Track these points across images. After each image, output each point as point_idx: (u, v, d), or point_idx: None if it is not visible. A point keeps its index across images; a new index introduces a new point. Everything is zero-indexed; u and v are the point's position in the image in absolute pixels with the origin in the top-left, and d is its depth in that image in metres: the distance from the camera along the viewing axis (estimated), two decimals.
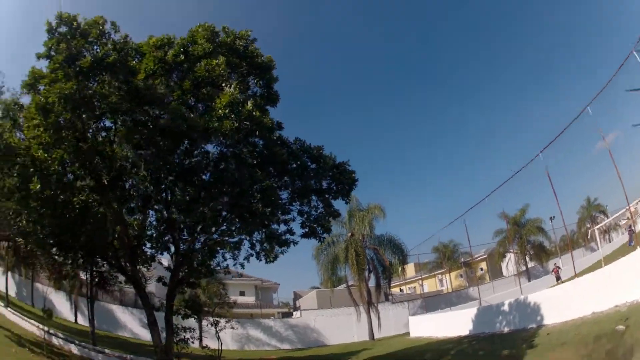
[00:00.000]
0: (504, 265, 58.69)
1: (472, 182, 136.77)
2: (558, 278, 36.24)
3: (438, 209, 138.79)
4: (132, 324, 42.76)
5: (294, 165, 20.25)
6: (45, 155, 16.41)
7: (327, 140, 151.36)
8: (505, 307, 24.86)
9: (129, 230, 20.50)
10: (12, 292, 47.16)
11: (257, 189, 18.55)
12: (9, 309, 32.55)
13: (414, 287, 68.08)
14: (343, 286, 45.76)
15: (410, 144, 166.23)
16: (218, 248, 21.61)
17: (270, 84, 20.40)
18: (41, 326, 28.13)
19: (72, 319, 42.83)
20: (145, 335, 41.35)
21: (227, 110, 16.18)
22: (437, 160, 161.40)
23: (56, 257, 27.40)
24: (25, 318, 30.50)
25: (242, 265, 22.62)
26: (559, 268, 38.55)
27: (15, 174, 16.55)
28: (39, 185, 15.97)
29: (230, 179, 18.45)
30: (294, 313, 49.71)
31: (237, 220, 20.25)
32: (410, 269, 61.27)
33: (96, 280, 32.87)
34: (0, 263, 45.25)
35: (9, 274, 43.49)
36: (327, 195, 21.05)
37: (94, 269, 30.59)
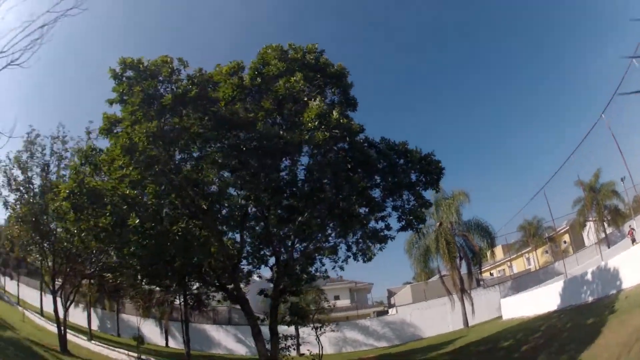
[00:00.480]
0: (585, 235, 56.97)
1: (548, 152, 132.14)
2: (633, 240, 35.09)
3: (518, 184, 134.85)
4: (226, 340, 45.41)
5: (384, 164, 20.97)
6: (134, 192, 18.16)
7: (398, 131, 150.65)
8: (589, 277, 24.94)
9: (229, 250, 22.15)
10: (94, 326, 50.43)
11: (354, 192, 19.43)
12: (93, 341, 34.93)
13: (503, 269, 67.20)
14: (436, 277, 46.29)
15: (479, 122, 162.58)
16: (316, 254, 22.94)
17: (347, 91, 21.60)
18: (131, 353, 30.38)
19: (163, 343, 45.29)
20: (239, 349, 43.99)
21: (316, 122, 17.25)
22: (509, 134, 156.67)
23: (149, 285, 29.29)
24: (113, 348, 32.75)
25: (342, 268, 23.76)
26: (633, 230, 37.29)
27: (108, 214, 17.90)
28: (137, 220, 17.60)
29: (327, 186, 19.74)
30: (390, 310, 50.37)
31: (334, 224, 21.37)
32: (498, 252, 60.67)
33: (190, 303, 34.72)
34: (81, 299, 48.98)
35: (91, 308, 46.90)
36: (417, 188, 21.65)
37: (188, 292, 32.46)
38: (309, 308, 32.40)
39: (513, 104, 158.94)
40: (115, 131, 18.92)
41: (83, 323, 48.98)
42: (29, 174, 30.62)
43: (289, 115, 19.26)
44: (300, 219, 20.50)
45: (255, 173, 19.36)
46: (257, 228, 22.83)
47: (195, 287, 31.80)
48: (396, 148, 21.26)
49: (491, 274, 64.96)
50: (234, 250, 22.72)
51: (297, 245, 22.59)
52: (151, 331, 47.10)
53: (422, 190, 21.96)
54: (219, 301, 31.96)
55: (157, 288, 34.50)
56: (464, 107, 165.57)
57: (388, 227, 22.44)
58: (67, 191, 18.02)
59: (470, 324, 39.76)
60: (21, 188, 30.74)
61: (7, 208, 32.12)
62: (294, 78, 18.54)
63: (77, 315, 53.51)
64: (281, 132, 18.18)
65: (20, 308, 49.36)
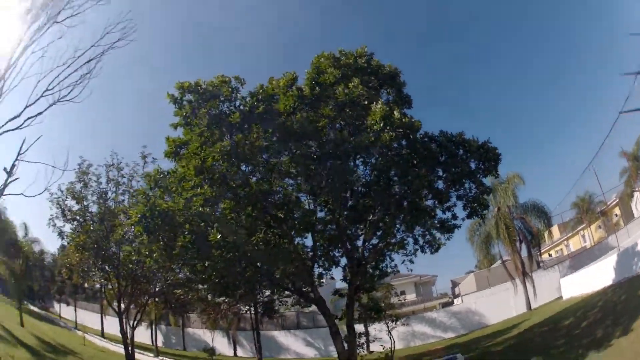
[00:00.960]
0: (633, 206, 55.73)
1: (593, 124, 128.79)
2: None
3: (567, 160, 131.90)
4: (294, 345, 46.53)
5: (445, 156, 21.68)
6: (207, 209, 18.98)
7: (443, 120, 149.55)
8: (639, 248, 25.23)
9: (302, 254, 23.11)
10: (159, 342, 52.66)
11: (421, 186, 20.21)
12: (160, 357, 35.89)
13: (561, 249, 66.35)
14: (498, 263, 46.43)
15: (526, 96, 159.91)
16: (386, 250, 23.88)
17: (401, 89, 22.56)
18: None
19: (231, 353, 46.49)
20: (308, 353, 45.08)
21: (381, 124, 18.26)
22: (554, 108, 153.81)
23: (221, 297, 29.94)
24: None
25: (411, 261, 24.48)
26: None
27: (186, 232, 18.97)
28: (219, 235, 18.59)
29: (395, 182, 20.77)
30: (455, 301, 50.37)
31: (403, 219, 22.05)
32: (555, 231, 60.07)
33: (260, 311, 35.39)
34: (144, 317, 50.53)
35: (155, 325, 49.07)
36: (477, 176, 22.21)
37: (259, 300, 33.09)
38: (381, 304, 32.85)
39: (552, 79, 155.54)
40: (181, 153, 20.16)
41: (146, 340, 50.85)
42: (85, 203, 31.46)
43: (350, 119, 20.15)
44: (370, 217, 21.51)
45: (327, 178, 20.40)
46: (326, 230, 23.55)
47: (266, 294, 32.43)
48: (454, 139, 21.85)
49: (550, 255, 64.31)
50: (305, 254, 23.46)
51: (367, 243, 23.37)
52: (218, 342, 48.70)
53: (482, 177, 22.54)
54: (286, 307, 32.44)
55: (225, 299, 35.21)
56: (502, 86, 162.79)
57: (454, 217, 23.04)
58: (139, 215, 18.97)
59: (532, 307, 39.90)
60: (77, 217, 31.65)
61: (63, 238, 33.19)
62: (352, 84, 19.53)
63: (141, 333, 55.00)
64: (350, 137, 19.27)
65: (79, 332, 51.56)
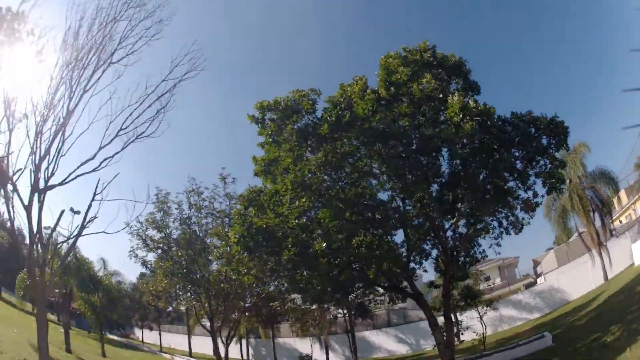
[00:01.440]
0: None
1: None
2: None
3: (622, 120, 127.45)
4: (386, 342, 46.93)
5: (519, 137, 21.68)
6: (303, 220, 20.04)
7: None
8: None
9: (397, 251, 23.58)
10: (249, 355, 55.18)
11: (504, 169, 20.71)
12: None
13: (629, 214, 64.37)
14: (575, 236, 45.31)
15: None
16: (475, 237, 24.00)
17: (467, 77, 22.83)
18: None
19: (323, 358, 46.64)
20: (400, 349, 45.08)
21: (460, 115, 18.65)
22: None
23: (320, 304, 30.43)
24: None
25: (499, 244, 24.43)
26: None
27: (290, 245, 19.68)
28: (324, 244, 19.33)
29: (480, 169, 21.11)
30: (537, 280, 49.59)
31: (489, 204, 22.04)
32: (622, 196, 58.34)
33: (353, 313, 35.81)
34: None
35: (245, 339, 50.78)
36: (550, 151, 22.19)
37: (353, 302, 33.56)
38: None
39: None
40: (270, 170, 21.23)
41: (236, 355, 52.37)
42: (167, 230, 32.56)
43: (429, 114, 20.79)
44: (459, 205, 21.80)
45: (416, 174, 20.99)
46: (419, 225, 23.73)
47: (358, 296, 32.99)
48: (525, 119, 22.00)
49: (620, 222, 62.48)
50: (398, 250, 23.73)
51: (455, 232, 23.75)
52: (309, 348, 48.72)
53: (554, 152, 22.52)
54: (377, 307, 32.70)
55: (320, 305, 35.83)
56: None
57: (535, 195, 23.02)
58: (237, 235, 20.11)
59: (610, 276, 39.09)
60: (161, 245, 32.61)
61: (146, 267, 34.37)
62: (425, 79, 20.30)
63: (230, 349, 56.21)
64: (435, 131, 19.85)
65: (165, 354, 53.88)
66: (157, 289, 37.24)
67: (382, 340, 47.18)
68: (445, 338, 22.33)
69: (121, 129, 19.13)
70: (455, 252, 23.39)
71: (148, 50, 19.21)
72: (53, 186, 18.83)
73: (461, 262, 24.04)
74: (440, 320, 24.16)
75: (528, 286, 49.68)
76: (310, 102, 20.11)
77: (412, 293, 23.86)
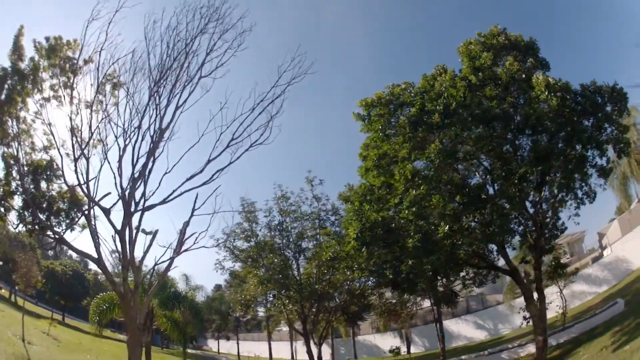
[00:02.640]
0: None
1: None
2: None
3: None
4: (465, 330, 47.36)
5: (590, 106, 22.42)
6: (413, 210, 20.75)
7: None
8: None
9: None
10: (326, 355, 53.15)
11: (585, 139, 21.62)
12: None
13: None
14: (634, 203, 44.84)
15: None
16: (559, 208, 24.13)
17: (537, 55, 23.46)
18: None
19: (405, 350, 47.44)
20: (478, 335, 45.96)
21: (546, 93, 20.07)
22: None
23: (411, 293, 31.03)
24: None
25: (577, 214, 24.46)
26: None
27: (412, 232, 20.84)
28: (446, 227, 20.40)
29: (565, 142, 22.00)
30: (604, 252, 49.07)
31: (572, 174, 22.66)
32: None
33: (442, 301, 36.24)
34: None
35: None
36: (614, 117, 22.90)
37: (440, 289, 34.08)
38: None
39: None
40: (380, 164, 22.38)
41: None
42: (255, 239, 33.54)
43: (515, 94, 21.89)
44: (548, 178, 22.57)
45: (517, 154, 22.31)
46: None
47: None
48: (591, 89, 22.67)
49: None
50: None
51: (540, 206, 24.23)
52: (390, 343, 49.76)
53: (617, 117, 23.21)
54: (469, 291, 32.87)
55: (410, 296, 36.31)
56: None
57: (608, 161, 23.90)
58: (356, 232, 21.14)
59: None
60: (251, 254, 33.69)
61: (236, 278, 35.23)
62: (508, 62, 21.52)
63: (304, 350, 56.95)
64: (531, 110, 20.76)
65: None
66: (246, 298, 37.92)
67: (461, 327, 47.44)
68: (539, 310, 22.88)
69: (233, 139, 19.57)
70: (542, 226, 23.80)
71: (236, 61, 20.35)
72: (153, 206, 19.35)
73: (548, 235, 24.34)
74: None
75: (595, 260, 49.17)
76: (410, 94, 21.54)
77: (507, 270, 24.71)
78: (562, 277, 28.46)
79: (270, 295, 37.26)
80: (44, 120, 19.85)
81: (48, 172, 21.38)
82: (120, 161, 18.88)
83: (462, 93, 21.29)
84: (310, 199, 33.97)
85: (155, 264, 19.94)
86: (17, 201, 20.80)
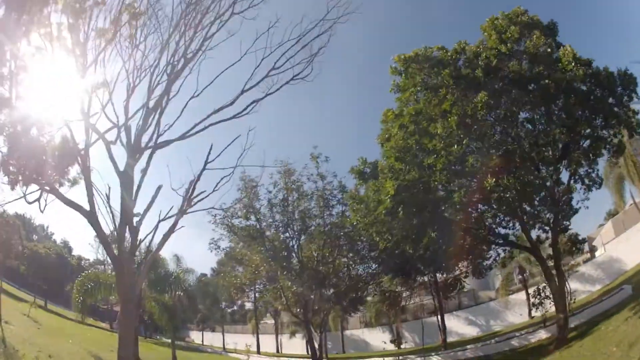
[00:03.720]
0: None
1: None
2: None
3: None
4: (456, 326, 45.76)
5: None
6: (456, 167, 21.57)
7: None
8: None
9: None
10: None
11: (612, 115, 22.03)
12: None
13: None
14: (628, 204, 44.73)
15: None
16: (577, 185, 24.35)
17: (556, 36, 23.82)
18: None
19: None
20: (470, 332, 44.39)
21: (573, 64, 20.73)
22: None
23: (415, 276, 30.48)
24: None
25: (587, 198, 24.31)
26: None
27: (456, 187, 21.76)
28: (493, 180, 20.39)
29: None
30: (595, 254, 48.89)
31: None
32: None
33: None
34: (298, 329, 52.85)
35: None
36: (624, 100, 23.02)
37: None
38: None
39: None
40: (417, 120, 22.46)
41: (299, 351, 53.83)
42: (258, 216, 32.78)
43: (543, 65, 21.72)
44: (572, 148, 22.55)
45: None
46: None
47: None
48: (603, 72, 22.83)
49: None
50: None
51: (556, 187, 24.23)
52: (379, 338, 47.90)
53: (628, 102, 23.45)
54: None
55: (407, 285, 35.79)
56: None
57: (620, 141, 23.92)
58: (395, 187, 21.47)
59: None
60: (251, 232, 32.64)
61: (229, 259, 33.75)
62: (535, 35, 21.73)
63: (292, 344, 55.98)
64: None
65: (232, 354, 55.56)
66: (241, 281, 36.06)
67: (453, 324, 45.60)
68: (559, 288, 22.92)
69: (273, 68, 17.67)
70: (560, 203, 23.59)
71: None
72: (168, 142, 17.16)
73: (567, 212, 24.08)
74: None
75: (585, 261, 49.21)
76: (447, 54, 21.68)
77: (527, 246, 24.77)
78: (578, 252, 28.02)
79: (265, 281, 35.50)
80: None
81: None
82: (128, 99, 16.75)
83: (494, 59, 21.46)
84: (315, 176, 32.55)
85: (160, 221, 16.00)
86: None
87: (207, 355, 52.93)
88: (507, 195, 21.78)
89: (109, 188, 15.66)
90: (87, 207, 15.22)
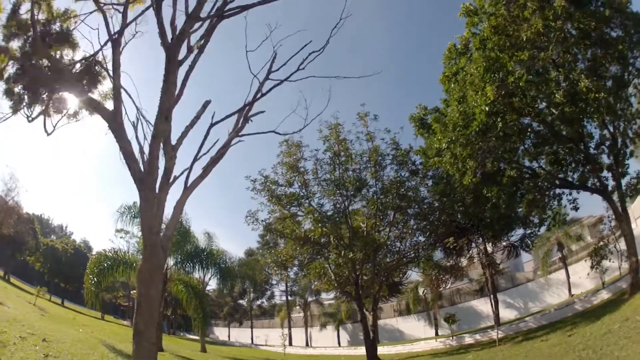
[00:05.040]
0: None
1: None
2: None
3: None
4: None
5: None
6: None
7: None
8: None
9: None
10: (344, 342, 55.05)
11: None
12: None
13: None
14: None
15: None
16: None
17: None
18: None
19: (432, 333, 44.62)
20: (507, 315, 41.01)
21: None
22: None
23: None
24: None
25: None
26: None
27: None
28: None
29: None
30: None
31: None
32: None
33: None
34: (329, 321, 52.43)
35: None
36: None
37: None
38: None
39: None
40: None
41: (329, 343, 54.13)
42: (306, 176, 29.84)
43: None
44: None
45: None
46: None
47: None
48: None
49: None
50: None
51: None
52: (412, 327, 47.85)
53: None
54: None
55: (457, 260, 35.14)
56: None
57: None
58: (493, 93, 20.27)
59: None
60: (296, 197, 29.86)
61: (268, 232, 30.86)
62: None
63: (323, 336, 52.83)
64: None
65: (262, 347, 53.36)
66: (284, 256, 31.41)
67: (490, 308, 41.97)
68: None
69: None
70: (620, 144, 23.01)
71: None
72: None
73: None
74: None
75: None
76: None
77: (598, 188, 23.38)
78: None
79: (309, 255, 31.30)
80: None
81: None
82: None
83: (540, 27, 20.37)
84: (364, 136, 29.58)
85: (205, 138, 10.67)
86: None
87: (237, 349, 49.14)
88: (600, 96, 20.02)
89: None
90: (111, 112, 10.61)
